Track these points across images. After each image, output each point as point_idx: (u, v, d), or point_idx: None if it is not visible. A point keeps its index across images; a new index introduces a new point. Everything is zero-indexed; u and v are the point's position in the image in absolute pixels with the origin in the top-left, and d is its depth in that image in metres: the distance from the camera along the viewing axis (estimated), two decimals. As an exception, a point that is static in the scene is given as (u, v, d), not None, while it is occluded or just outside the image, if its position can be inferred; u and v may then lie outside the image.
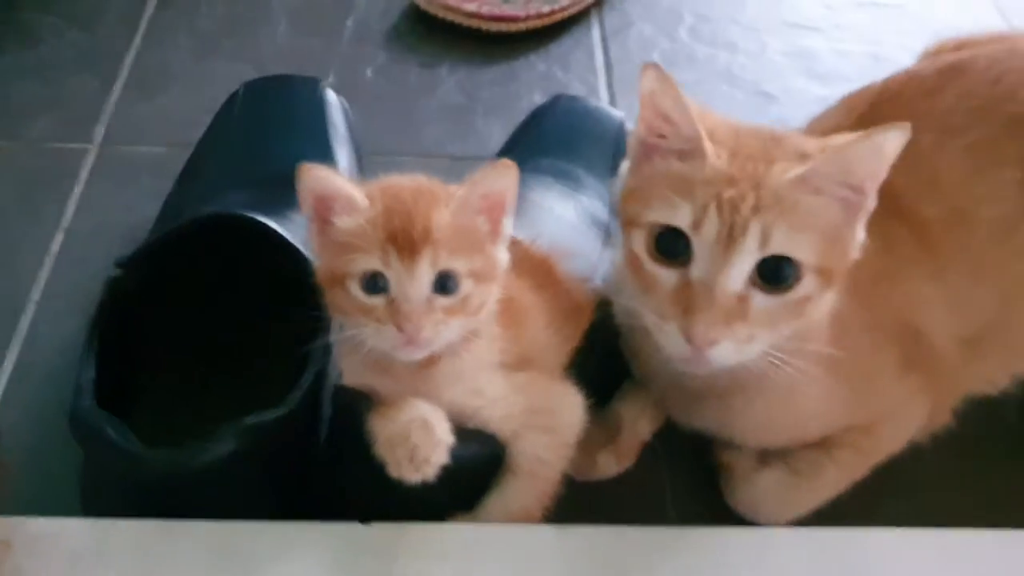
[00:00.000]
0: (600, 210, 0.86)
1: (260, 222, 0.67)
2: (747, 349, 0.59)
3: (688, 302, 0.57)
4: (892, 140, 0.57)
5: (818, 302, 0.60)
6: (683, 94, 0.59)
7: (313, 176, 0.58)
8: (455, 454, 0.58)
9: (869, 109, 0.75)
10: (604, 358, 0.73)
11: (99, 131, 1.01)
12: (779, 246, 0.57)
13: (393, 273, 0.57)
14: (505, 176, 0.60)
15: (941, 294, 0.71)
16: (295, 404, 0.62)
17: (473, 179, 0.60)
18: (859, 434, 0.72)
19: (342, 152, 0.88)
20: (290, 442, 0.63)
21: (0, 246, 0.89)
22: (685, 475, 0.76)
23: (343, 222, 0.58)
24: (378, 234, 0.57)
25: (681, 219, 0.58)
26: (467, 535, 0.58)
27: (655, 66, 0.59)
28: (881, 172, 0.59)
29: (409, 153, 1.02)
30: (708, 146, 0.59)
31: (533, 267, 0.69)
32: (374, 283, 0.57)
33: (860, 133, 0.59)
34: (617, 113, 0.95)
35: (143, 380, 0.73)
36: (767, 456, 0.72)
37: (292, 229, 0.70)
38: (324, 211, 0.59)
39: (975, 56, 0.75)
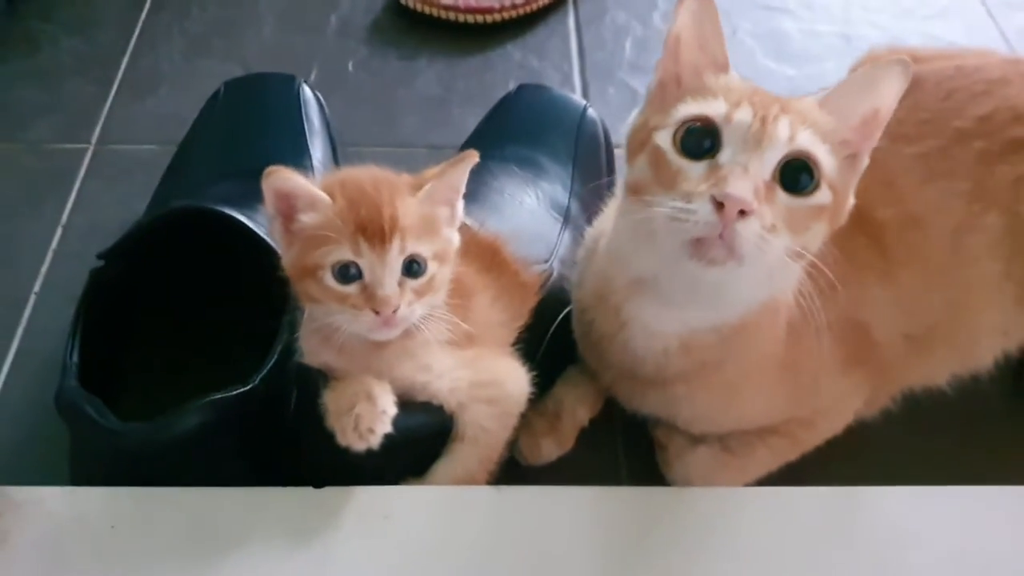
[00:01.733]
0: (560, 194, 0.90)
1: (227, 214, 0.72)
2: (768, 243, 0.58)
3: (719, 176, 0.58)
4: (890, 76, 0.61)
5: (822, 225, 0.62)
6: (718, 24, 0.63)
7: (277, 177, 0.62)
8: (403, 424, 0.64)
9: None
10: (551, 342, 0.78)
11: (95, 132, 1.07)
12: (804, 142, 0.59)
13: (365, 261, 0.61)
14: (465, 166, 0.65)
15: (891, 294, 0.74)
16: (258, 382, 0.67)
17: (442, 170, 0.65)
18: (797, 425, 0.77)
19: (317, 145, 0.93)
20: (256, 416, 0.69)
21: (3, 241, 0.96)
22: (639, 442, 0.80)
23: (309, 218, 0.62)
24: (347, 226, 0.61)
25: (715, 109, 0.60)
26: (409, 496, 0.64)
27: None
28: (879, 113, 0.62)
29: (388, 144, 1.07)
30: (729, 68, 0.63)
31: (480, 250, 0.74)
32: (346, 272, 0.62)
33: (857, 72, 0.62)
34: (579, 100, 1.00)
35: (130, 362, 0.79)
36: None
37: (261, 220, 0.76)
38: (287, 209, 0.63)
39: (923, 72, 0.78)
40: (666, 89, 0.65)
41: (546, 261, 0.82)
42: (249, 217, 0.75)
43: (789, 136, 0.59)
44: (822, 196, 0.60)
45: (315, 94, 0.99)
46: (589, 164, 0.94)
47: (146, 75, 1.14)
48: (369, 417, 0.61)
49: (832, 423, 0.78)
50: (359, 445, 0.61)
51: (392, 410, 0.62)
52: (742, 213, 0.57)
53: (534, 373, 0.72)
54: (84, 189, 1.01)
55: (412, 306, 0.63)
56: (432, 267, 0.64)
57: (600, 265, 0.73)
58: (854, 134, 0.63)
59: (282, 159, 0.89)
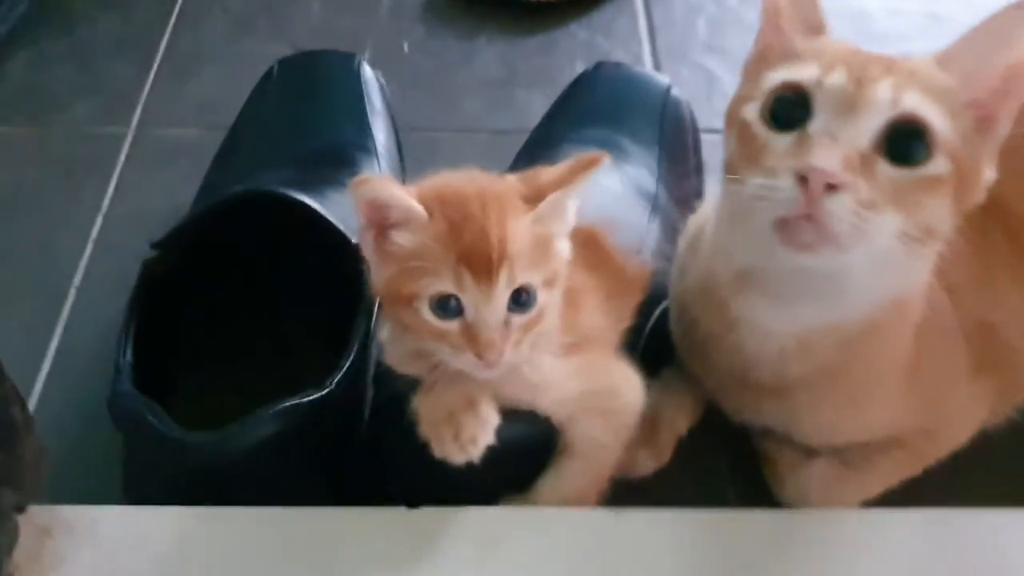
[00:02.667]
0: (647, 180, 0.83)
1: (295, 198, 0.65)
2: (868, 221, 0.50)
3: (805, 147, 0.51)
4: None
5: (942, 200, 0.53)
6: None
7: (369, 187, 0.53)
8: (504, 435, 0.56)
9: None
10: (648, 341, 0.70)
11: (135, 115, 1.00)
12: (911, 104, 0.51)
13: (469, 297, 0.52)
14: (595, 171, 0.55)
15: None
16: (335, 385, 0.60)
17: (564, 178, 0.55)
18: (920, 436, 0.69)
19: (379, 128, 0.86)
20: (332, 424, 0.61)
21: (41, 232, 0.89)
22: (744, 455, 0.73)
23: (404, 239, 0.53)
24: (448, 254, 0.52)
25: (806, 74, 0.52)
26: (518, 519, 0.56)
27: None
28: (1019, 68, 0.53)
29: (448, 128, 1.00)
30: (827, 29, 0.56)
31: (583, 244, 0.65)
32: (446, 305, 0.53)
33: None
34: (662, 78, 0.92)
35: (181, 364, 0.71)
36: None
37: (329, 207, 0.68)
38: (380, 221, 0.54)
39: None
40: (764, 61, 0.58)
41: (637, 253, 0.75)
42: (317, 203, 0.68)
43: (892, 99, 0.51)
44: (937, 166, 0.52)
45: (375, 73, 0.92)
46: (675, 148, 0.87)
47: (187, 56, 1.07)
48: (471, 426, 0.53)
49: (957, 433, 0.70)
50: (459, 457, 0.54)
51: (495, 419, 0.55)
52: (831, 188, 0.50)
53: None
54: (124, 176, 0.94)
55: (520, 346, 0.54)
56: (543, 297, 0.54)
57: (703, 257, 0.66)
58: (987, 93, 0.54)
59: (344, 142, 0.84)
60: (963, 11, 1.12)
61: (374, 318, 0.65)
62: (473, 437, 0.53)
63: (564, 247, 0.57)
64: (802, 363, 0.62)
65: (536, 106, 0.99)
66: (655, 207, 0.81)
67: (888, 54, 0.55)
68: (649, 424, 0.72)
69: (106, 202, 0.91)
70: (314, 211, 0.66)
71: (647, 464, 0.71)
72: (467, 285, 0.52)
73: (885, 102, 0.51)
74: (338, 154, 0.81)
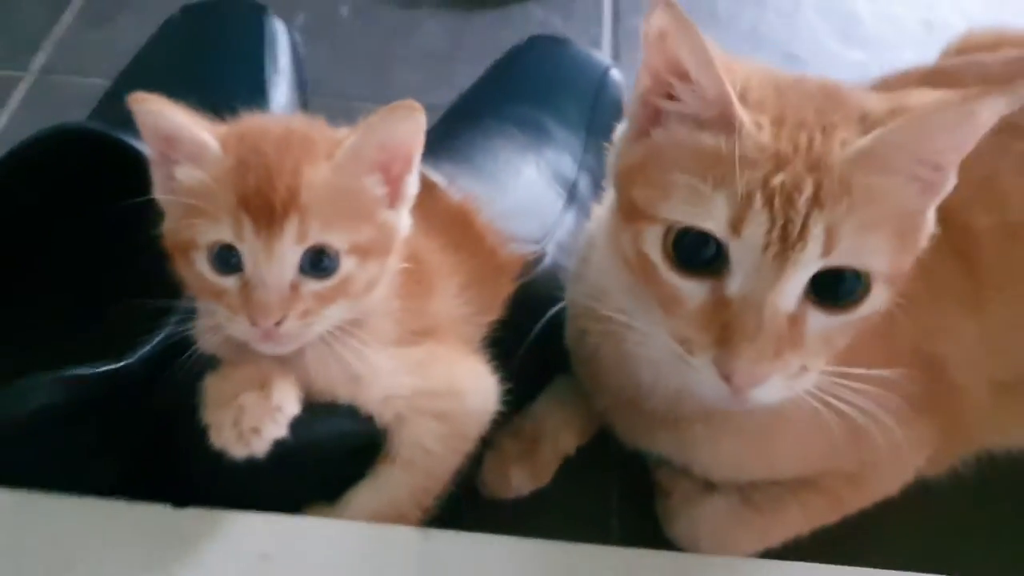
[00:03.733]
0: (568, 166, 0.74)
1: (119, 138, 0.56)
2: (797, 383, 0.45)
3: (726, 329, 0.43)
4: (989, 108, 0.43)
5: (873, 320, 0.47)
6: (705, 40, 0.44)
7: (147, 110, 0.45)
8: (311, 432, 0.47)
9: None
10: (534, 345, 0.61)
11: (39, 59, 0.92)
12: (847, 253, 0.43)
13: (247, 248, 0.44)
14: (408, 120, 0.47)
15: (978, 326, 0.58)
16: (132, 360, 0.51)
17: (367, 124, 0.46)
18: (840, 480, 0.60)
19: (280, 87, 0.77)
20: (128, 406, 0.52)
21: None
22: (638, 482, 0.63)
23: (185, 175, 0.45)
24: (228, 195, 0.44)
25: (715, 219, 0.43)
26: (300, 530, 0.46)
27: (669, 3, 0.44)
28: (968, 146, 0.45)
29: (378, 100, 0.88)
30: (742, 113, 0.44)
31: (448, 220, 0.57)
32: (226, 258, 0.45)
33: (947, 96, 0.44)
34: (602, 58, 0.83)
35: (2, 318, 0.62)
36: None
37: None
38: (164, 151, 0.46)
39: None
40: (652, 114, 0.48)
41: (538, 242, 0.65)
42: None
43: (824, 248, 0.42)
44: (874, 301, 0.45)
45: (289, 32, 0.83)
46: (608, 135, 0.77)
47: (106, 0, 0.98)
48: (256, 412, 0.44)
49: (885, 481, 0.61)
50: (238, 450, 0.45)
51: (291, 409, 0.46)
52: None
53: (508, 384, 0.56)
54: (15, 121, 0.87)
55: (309, 318, 0.45)
56: (348, 264, 0.46)
57: (594, 271, 0.56)
58: (933, 170, 0.45)
59: (232, 98, 0.74)
60: (959, 18, 1.03)
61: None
62: (256, 426, 0.44)
63: (396, 218, 0.49)
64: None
65: (477, 83, 0.91)
66: (572, 196, 0.72)
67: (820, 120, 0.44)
68: (529, 438, 0.63)
69: (-13, 147, 0.83)
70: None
71: (522, 484, 0.62)
72: (247, 234, 0.44)
73: (817, 253, 0.43)
74: (223, 109, 0.72)
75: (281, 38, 0.81)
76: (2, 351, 0.58)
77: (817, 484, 0.60)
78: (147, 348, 0.52)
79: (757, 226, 0.42)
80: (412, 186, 0.49)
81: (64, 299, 0.63)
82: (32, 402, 0.48)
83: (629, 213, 0.47)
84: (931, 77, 0.64)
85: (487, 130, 0.73)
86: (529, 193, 0.70)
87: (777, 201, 0.42)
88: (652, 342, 0.47)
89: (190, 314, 0.55)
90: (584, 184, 0.73)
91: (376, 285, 0.48)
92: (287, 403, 0.46)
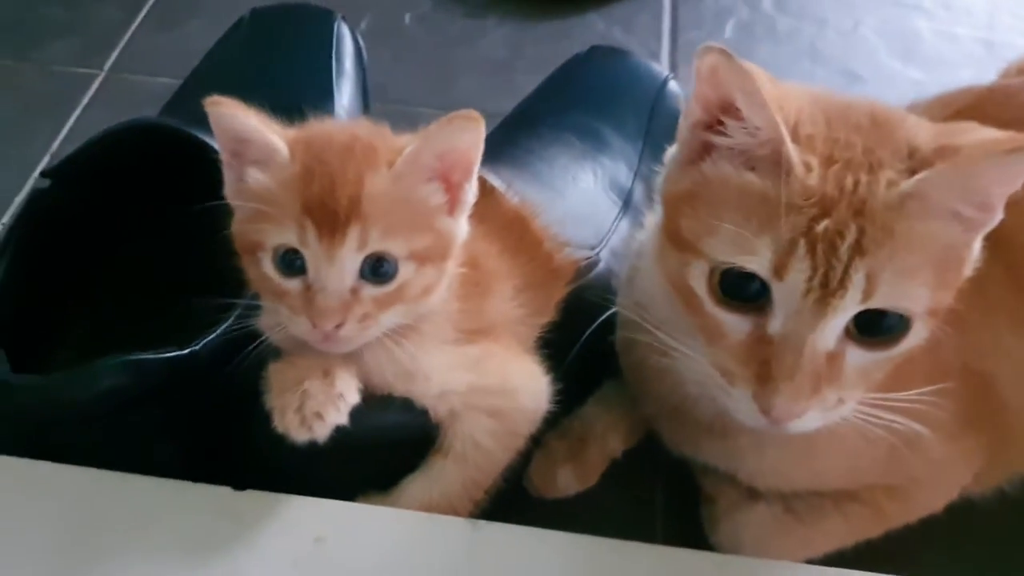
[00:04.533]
0: (623, 175, 0.74)
1: (189, 133, 0.58)
2: (834, 414, 0.46)
3: (765, 365, 0.44)
4: None
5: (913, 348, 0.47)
6: (756, 79, 0.44)
7: (222, 112, 0.47)
8: (369, 421, 0.48)
9: (970, 113, 0.60)
10: (585, 348, 0.62)
11: (110, 58, 0.95)
12: (887, 298, 0.43)
13: (310, 253, 0.45)
14: (468, 130, 0.48)
15: None
16: (198, 347, 0.53)
17: (426, 133, 0.47)
18: (884, 494, 0.59)
19: (344, 91, 0.80)
20: (194, 392, 0.54)
21: (-16, 165, 0.84)
22: (684, 487, 0.64)
23: (254, 178, 0.47)
24: (294, 202, 0.45)
25: (759, 262, 0.44)
26: (354, 516, 0.47)
27: (723, 50, 0.44)
28: (1017, 185, 0.44)
29: (438, 107, 0.91)
30: (794, 155, 0.44)
31: (505, 224, 0.58)
32: (290, 261, 0.46)
33: (998, 140, 0.44)
34: (660, 69, 0.83)
35: (74, 311, 0.65)
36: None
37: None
38: (236, 152, 0.48)
39: None
40: (702, 144, 0.48)
41: (593, 248, 0.66)
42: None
43: (864, 294, 0.43)
44: (914, 337, 0.45)
45: (355, 36, 0.85)
46: (665, 144, 0.78)
47: (178, 4, 1.02)
48: (320, 398, 0.46)
49: (930, 497, 0.60)
50: (300, 434, 0.46)
51: (353, 397, 0.47)
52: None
53: (559, 385, 0.57)
54: (84, 117, 0.90)
55: (367, 322, 0.46)
56: (406, 271, 0.47)
57: (644, 276, 0.57)
58: (979, 211, 0.45)
59: (300, 99, 0.76)
60: (1020, 38, 1.02)
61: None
62: (319, 411, 0.45)
63: (455, 225, 0.50)
64: None
65: (536, 92, 0.92)
66: (627, 204, 0.73)
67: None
68: (577, 439, 0.64)
69: (58, 142, 0.87)
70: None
71: (569, 484, 0.63)
72: (310, 241, 0.45)
73: (857, 299, 0.43)
74: (291, 111, 0.74)
75: (347, 42, 0.83)
76: (77, 338, 0.60)
77: (860, 496, 0.59)
78: (211, 337, 0.54)
79: (799, 272, 0.43)
80: (470, 194, 0.50)
81: (134, 291, 0.66)
82: (101, 384, 0.50)
83: (676, 241, 0.48)
84: (989, 96, 0.63)
85: (545, 137, 0.74)
86: (585, 200, 0.71)
87: (820, 248, 0.43)
88: (693, 365, 0.48)
89: (254, 308, 0.57)
90: (639, 192, 0.74)
91: (434, 289, 0.49)
92: (349, 392, 0.47)
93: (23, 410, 0.50)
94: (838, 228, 0.43)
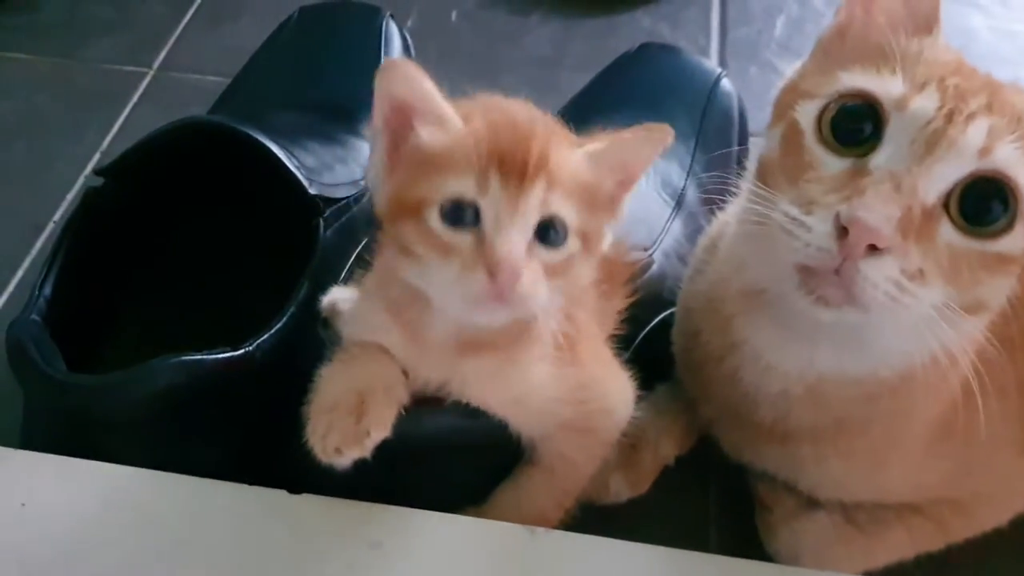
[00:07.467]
0: (676, 174, 0.73)
1: (249, 134, 0.58)
2: (907, 294, 0.42)
3: (858, 186, 0.42)
4: None
5: (1005, 280, 0.44)
6: None
7: (398, 76, 0.44)
8: (428, 428, 0.48)
9: None
10: (638, 351, 0.61)
11: (159, 56, 0.95)
12: (1003, 163, 0.41)
13: (490, 203, 0.43)
14: (657, 144, 0.47)
15: None
16: (252, 348, 0.53)
17: (619, 138, 0.47)
18: (949, 508, 0.58)
19: (393, 87, 0.79)
20: (245, 391, 0.53)
21: (36, 161, 0.85)
22: (737, 495, 0.63)
23: (431, 135, 0.44)
24: (479, 151, 0.43)
25: (887, 88, 0.43)
26: (412, 523, 0.47)
27: None
28: None
29: None
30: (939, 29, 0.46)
31: None
32: (459, 214, 0.43)
33: None
34: (712, 67, 0.82)
35: (127, 310, 0.65)
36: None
37: (304, 156, 0.62)
38: (400, 123, 0.45)
39: None
40: (843, 43, 0.48)
41: (646, 250, 0.65)
42: (289, 152, 0.61)
43: (982, 147, 0.41)
44: (1014, 241, 0.42)
45: (403, 33, 0.85)
46: (717, 144, 0.77)
47: (227, 2, 1.01)
48: (343, 434, 0.45)
49: (995, 513, 0.59)
50: (321, 459, 0.45)
51: (380, 434, 0.45)
52: (873, 247, 0.40)
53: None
54: (134, 115, 0.90)
55: (538, 284, 0.44)
56: (573, 244, 0.45)
57: (719, 262, 0.56)
58: None
59: (350, 96, 0.76)
60: (1081, 35, 0.99)
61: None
62: (340, 447, 0.44)
63: (607, 229, 0.48)
64: (809, 412, 0.53)
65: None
66: (679, 204, 0.71)
67: (1000, 82, 0.45)
68: (629, 445, 0.62)
69: (108, 140, 0.87)
70: (274, 155, 0.59)
71: (621, 491, 0.62)
72: (492, 188, 0.43)
73: (973, 149, 0.42)
74: (340, 107, 0.74)
75: (395, 39, 0.83)
76: (127, 338, 0.60)
77: (923, 509, 0.58)
78: (264, 337, 0.54)
79: (927, 100, 0.42)
80: (626, 204, 0.49)
81: (185, 291, 0.66)
82: (157, 384, 0.50)
83: (786, 108, 0.47)
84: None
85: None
86: (637, 200, 0.69)
87: (951, 89, 0.43)
88: (770, 229, 0.45)
89: (308, 306, 0.57)
90: (692, 192, 0.73)
91: (583, 281, 0.48)
92: (377, 428, 0.45)
93: (79, 410, 0.50)
94: (970, 88, 0.43)
